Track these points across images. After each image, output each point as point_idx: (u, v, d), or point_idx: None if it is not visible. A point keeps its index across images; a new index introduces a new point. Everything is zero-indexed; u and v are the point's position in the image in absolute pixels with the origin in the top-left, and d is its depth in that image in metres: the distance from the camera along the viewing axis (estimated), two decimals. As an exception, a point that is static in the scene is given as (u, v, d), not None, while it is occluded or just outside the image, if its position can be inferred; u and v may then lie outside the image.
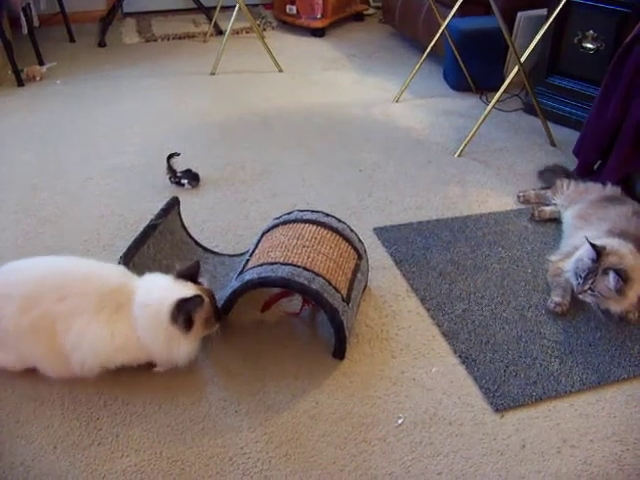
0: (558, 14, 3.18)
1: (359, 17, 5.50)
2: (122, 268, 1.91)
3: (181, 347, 1.81)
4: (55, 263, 1.89)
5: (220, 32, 4.97)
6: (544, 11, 3.51)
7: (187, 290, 1.80)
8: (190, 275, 1.86)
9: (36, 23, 4.39)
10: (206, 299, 1.82)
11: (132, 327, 1.78)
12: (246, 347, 2.08)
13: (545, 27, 3.21)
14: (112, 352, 1.81)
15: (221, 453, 1.74)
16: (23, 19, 4.11)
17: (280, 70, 4.35)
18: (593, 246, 2.15)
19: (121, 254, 2.09)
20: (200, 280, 1.90)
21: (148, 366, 1.94)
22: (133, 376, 1.93)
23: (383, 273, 2.42)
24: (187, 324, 1.77)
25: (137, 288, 1.82)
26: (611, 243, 2.22)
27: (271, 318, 2.20)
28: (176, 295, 1.77)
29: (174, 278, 1.85)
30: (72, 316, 1.75)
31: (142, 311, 1.78)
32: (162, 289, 1.81)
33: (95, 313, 1.76)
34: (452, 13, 3.66)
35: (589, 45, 3.35)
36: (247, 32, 5.02)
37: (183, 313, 1.75)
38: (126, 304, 1.78)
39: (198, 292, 1.80)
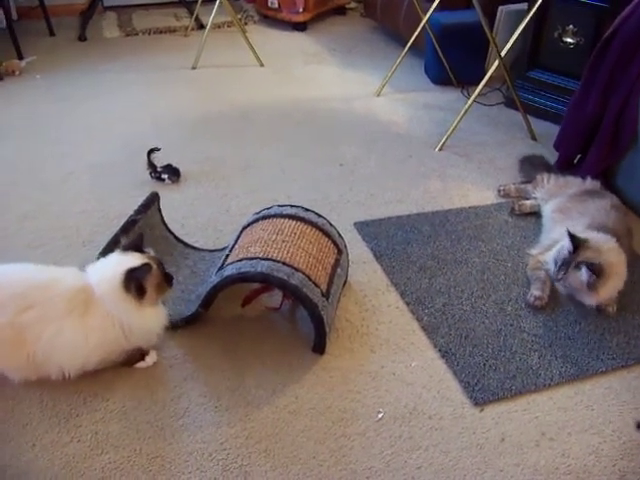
0: (538, 8, 3.18)
1: (341, 11, 5.48)
2: (76, 269, 1.91)
3: (146, 315, 1.86)
4: (13, 272, 1.87)
5: (201, 26, 4.92)
6: (525, 5, 3.52)
7: (135, 260, 1.84)
8: (135, 246, 1.91)
9: (15, 16, 4.35)
10: (154, 265, 1.86)
11: (104, 311, 1.80)
12: (226, 342, 2.08)
13: (525, 21, 3.22)
14: (89, 351, 1.81)
15: (201, 449, 1.74)
16: (1, 12, 4.07)
17: (261, 64, 4.33)
18: (572, 238, 2.16)
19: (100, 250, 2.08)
20: (146, 250, 1.94)
21: (128, 363, 1.94)
22: (113, 373, 1.92)
23: (363, 268, 2.42)
24: (140, 291, 1.81)
25: (91, 273, 1.85)
26: (596, 237, 2.24)
27: (251, 313, 2.20)
28: (125, 266, 1.81)
29: (120, 252, 1.89)
30: (41, 324, 1.75)
31: (101, 288, 1.81)
32: (112, 264, 1.86)
33: (65, 318, 1.76)
34: (433, 7, 3.65)
35: (569, 39, 3.36)
36: (228, 26, 4.98)
37: (134, 281, 1.80)
38: (91, 298, 1.80)
39: (145, 260, 1.85)
